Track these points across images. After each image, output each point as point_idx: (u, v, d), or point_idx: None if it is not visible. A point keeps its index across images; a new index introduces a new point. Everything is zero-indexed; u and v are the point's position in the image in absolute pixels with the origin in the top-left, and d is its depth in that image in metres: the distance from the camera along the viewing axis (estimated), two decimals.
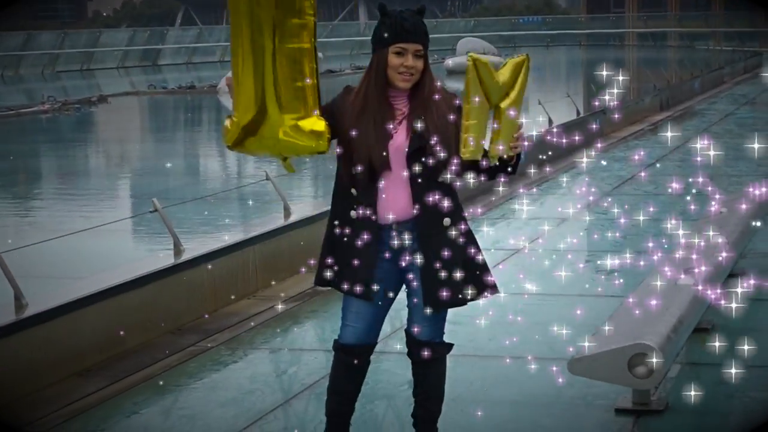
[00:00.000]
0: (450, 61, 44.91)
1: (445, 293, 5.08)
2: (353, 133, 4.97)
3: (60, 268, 8.91)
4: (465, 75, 4.80)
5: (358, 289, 5.11)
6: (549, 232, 11.70)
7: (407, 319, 5.28)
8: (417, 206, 5.03)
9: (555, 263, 10.23)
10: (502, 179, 5.16)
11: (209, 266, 8.83)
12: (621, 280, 9.45)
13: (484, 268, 5.20)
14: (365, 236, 5.06)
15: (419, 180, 5.01)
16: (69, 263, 8.88)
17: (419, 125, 5.00)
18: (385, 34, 5.05)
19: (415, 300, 5.19)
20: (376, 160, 4.97)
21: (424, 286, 5.09)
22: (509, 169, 5.06)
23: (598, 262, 10.31)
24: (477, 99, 4.79)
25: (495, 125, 4.90)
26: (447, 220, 5.07)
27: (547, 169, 16.31)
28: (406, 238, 5.09)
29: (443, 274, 5.05)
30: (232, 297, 8.99)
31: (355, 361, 5.28)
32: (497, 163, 4.94)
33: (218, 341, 8.08)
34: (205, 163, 17.68)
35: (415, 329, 5.25)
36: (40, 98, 30.49)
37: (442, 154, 4.96)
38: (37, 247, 8.56)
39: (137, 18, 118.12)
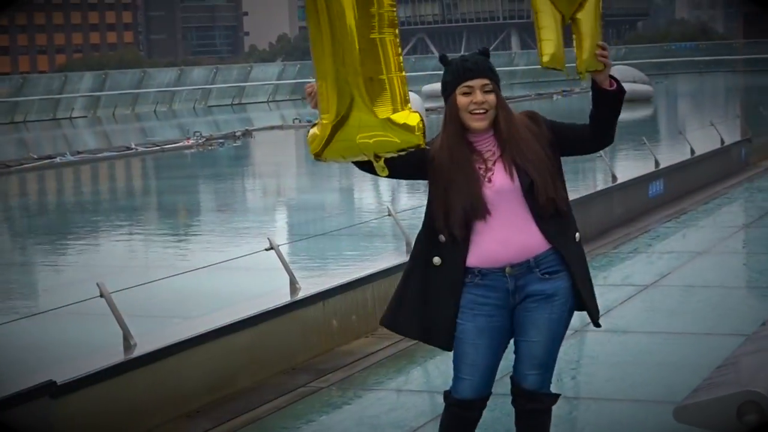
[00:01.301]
0: None
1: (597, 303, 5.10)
2: (445, 186, 4.89)
3: (172, 307, 8.90)
4: None
5: (442, 338, 5.01)
6: (682, 266, 11.32)
7: (514, 365, 5.08)
8: (547, 240, 4.91)
9: (684, 300, 9.89)
10: (607, 122, 4.99)
11: (325, 304, 8.73)
12: (756, 318, 9.08)
13: None
14: (452, 284, 4.95)
15: (540, 216, 4.90)
16: (181, 302, 8.87)
17: (518, 163, 4.87)
18: (449, 79, 4.93)
19: (526, 344, 5.01)
20: (474, 208, 4.85)
21: (585, 300, 5.00)
22: (611, 93, 4.87)
23: (731, 299, 9.94)
24: (545, 8, 4.73)
25: (575, 39, 4.80)
26: (577, 235, 5.01)
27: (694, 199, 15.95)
28: (522, 282, 4.94)
29: (591, 286, 5.06)
30: (349, 336, 8.88)
31: (473, 414, 5.11)
32: (588, 81, 4.83)
33: (330, 381, 7.95)
34: (332, 197, 17.66)
35: (523, 377, 5.06)
36: (187, 133, 31.00)
37: (547, 190, 4.87)
38: (150, 286, 8.56)
39: (292, 52, 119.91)
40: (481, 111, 4.85)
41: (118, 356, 7.13)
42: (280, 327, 8.31)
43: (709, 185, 17.41)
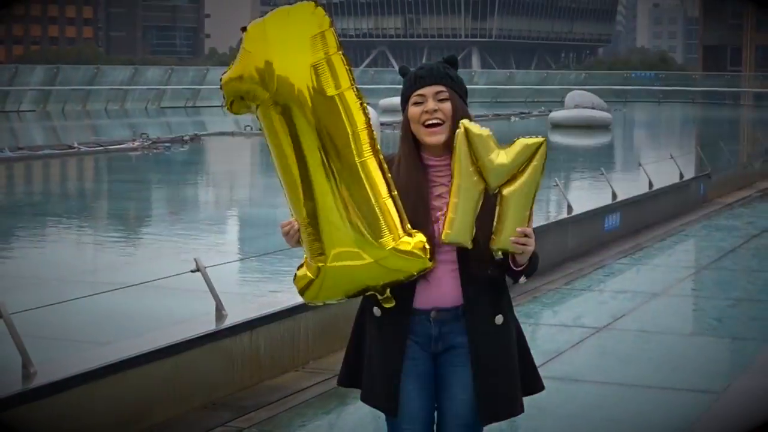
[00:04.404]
0: (555, 114, 43.96)
1: (501, 403, 4.33)
2: None
3: (84, 330, 8.18)
4: (455, 145, 4.07)
5: (382, 401, 4.37)
6: (637, 309, 10.72)
7: (437, 426, 4.42)
8: (464, 294, 4.25)
9: (639, 346, 9.29)
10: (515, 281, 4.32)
11: (253, 333, 8.05)
12: (715, 371, 8.51)
13: (533, 369, 4.48)
14: (395, 331, 4.29)
15: (468, 265, 4.21)
16: (95, 325, 8.16)
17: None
18: (404, 89, 4.30)
19: (450, 402, 4.36)
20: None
21: (477, 395, 4.29)
22: (517, 272, 4.23)
23: (688, 349, 9.35)
24: (466, 176, 4.05)
25: (497, 213, 4.11)
26: (500, 318, 4.28)
27: (645, 236, 15.41)
28: (446, 329, 4.30)
29: (498, 381, 4.30)
30: (277, 369, 8.21)
31: None
32: (500, 257, 4.15)
33: (252, 421, 7.27)
34: (268, 213, 16.84)
35: None
36: (135, 134, 30.14)
37: (481, 241, 4.18)
38: (64, 305, 7.84)
39: None
40: (435, 121, 4.20)
41: (14, 386, 6.40)
42: (202, 357, 7.62)
43: (667, 221, 16.88)
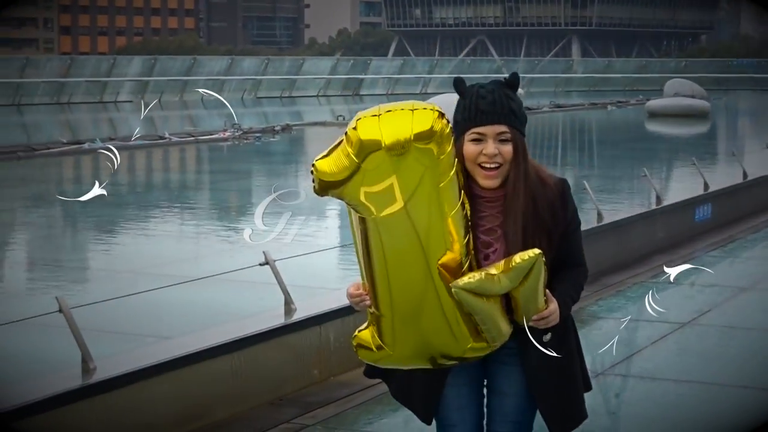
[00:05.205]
0: (652, 103, 43.29)
1: (569, 410, 4.24)
2: None
3: (147, 324, 8.10)
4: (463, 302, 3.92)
5: (418, 407, 4.26)
6: (724, 303, 10.40)
7: (487, 420, 4.30)
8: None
9: (722, 343, 8.98)
10: None
11: (322, 328, 7.92)
12: None
13: (587, 375, 4.35)
14: None
15: None
16: (159, 319, 8.07)
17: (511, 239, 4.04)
18: (459, 118, 3.99)
19: (497, 398, 4.26)
20: None
21: (541, 405, 4.22)
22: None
23: None
24: (484, 307, 3.92)
25: (512, 301, 3.99)
26: (548, 336, 4.11)
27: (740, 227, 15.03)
28: None
29: (556, 387, 4.20)
30: (347, 365, 8.07)
31: None
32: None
33: (318, 418, 7.12)
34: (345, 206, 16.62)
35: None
36: (226, 125, 30.14)
37: None
38: (129, 298, 7.77)
39: (351, 47, 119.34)
40: (493, 166, 3.97)
41: (74, 381, 6.34)
42: (269, 352, 7.51)
43: (761, 212, 16.45)
